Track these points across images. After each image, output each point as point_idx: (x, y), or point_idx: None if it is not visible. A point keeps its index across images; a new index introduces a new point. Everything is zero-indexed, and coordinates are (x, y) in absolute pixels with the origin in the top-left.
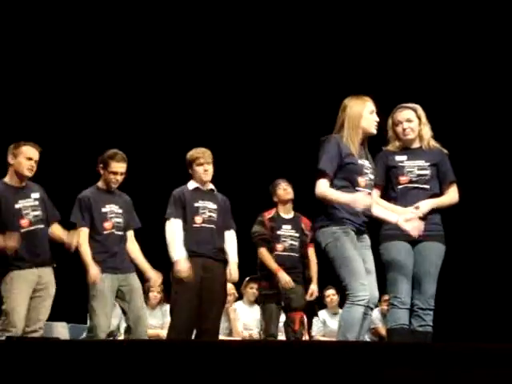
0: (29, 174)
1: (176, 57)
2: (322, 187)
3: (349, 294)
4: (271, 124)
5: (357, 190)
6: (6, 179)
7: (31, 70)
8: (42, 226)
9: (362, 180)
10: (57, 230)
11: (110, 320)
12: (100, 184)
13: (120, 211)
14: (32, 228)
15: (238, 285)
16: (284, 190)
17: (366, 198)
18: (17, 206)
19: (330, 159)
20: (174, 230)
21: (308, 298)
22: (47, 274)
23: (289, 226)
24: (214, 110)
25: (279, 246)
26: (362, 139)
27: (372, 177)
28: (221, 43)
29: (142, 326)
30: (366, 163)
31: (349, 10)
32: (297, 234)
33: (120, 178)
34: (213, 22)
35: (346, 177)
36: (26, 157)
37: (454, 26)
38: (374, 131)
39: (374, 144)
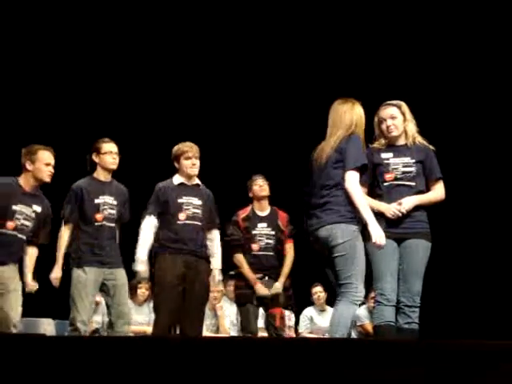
0: (48, 179)
1: (162, 54)
2: (357, 182)
3: (349, 292)
4: (253, 120)
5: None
6: (21, 182)
7: (25, 66)
8: (24, 237)
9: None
10: (29, 256)
11: (90, 313)
12: (95, 174)
13: (114, 203)
14: (14, 233)
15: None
16: (260, 186)
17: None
18: (13, 208)
19: (361, 153)
20: (145, 227)
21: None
22: (6, 273)
23: (264, 224)
24: (198, 105)
25: (254, 246)
26: None
27: None
28: (208, 41)
29: (124, 322)
30: None
31: (333, 11)
32: (272, 232)
33: (116, 157)
34: (201, 20)
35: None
36: (45, 163)
37: (438, 23)
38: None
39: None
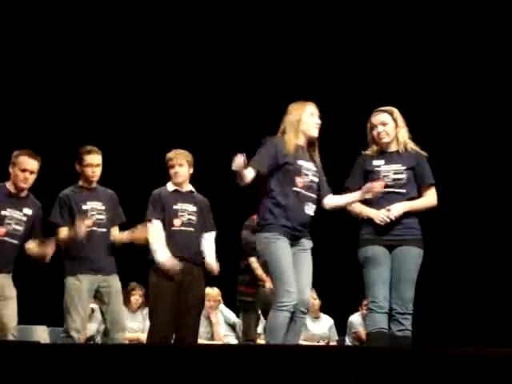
0: (23, 185)
1: (159, 57)
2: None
3: (275, 299)
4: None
5: (294, 191)
6: (8, 186)
7: (16, 71)
8: (17, 242)
9: (300, 180)
10: (33, 248)
11: (84, 321)
12: (80, 182)
13: (103, 208)
14: (5, 239)
15: (223, 291)
16: None
17: None
18: (2, 213)
19: (262, 158)
20: (156, 231)
21: None
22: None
23: None
24: (197, 109)
25: None
26: (305, 142)
27: (315, 179)
28: (199, 43)
29: (119, 329)
30: (307, 165)
31: (329, 15)
32: None
33: (97, 169)
34: (191, 26)
35: (283, 176)
36: (21, 168)
37: (430, 29)
38: (315, 134)
39: (355, 148)
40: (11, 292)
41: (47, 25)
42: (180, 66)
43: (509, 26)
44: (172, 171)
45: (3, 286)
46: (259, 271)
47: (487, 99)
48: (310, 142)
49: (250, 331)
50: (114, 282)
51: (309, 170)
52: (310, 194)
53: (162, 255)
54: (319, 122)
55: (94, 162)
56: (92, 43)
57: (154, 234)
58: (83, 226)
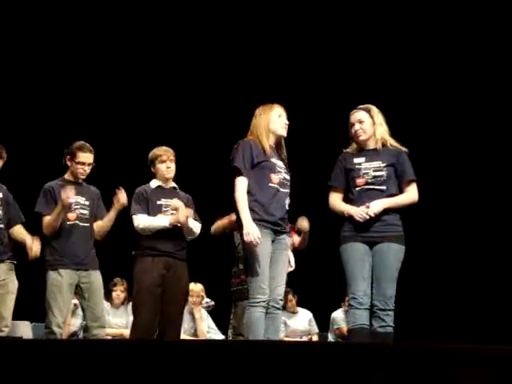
0: None
1: (143, 55)
2: (242, 186)
3: (249, 295)
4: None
5: (271, 187)
6: None
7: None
8: (1, 225)
9: (275, 177)
10: (19, 233)
11: (66, 316)
12: (67, 176)
13: (86, 203)
14: None
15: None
16: None
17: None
18: None
19: (244, 159)
20: (145, 219)
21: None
22: (4, 271)
23: None
24: (177, 109)
25: None
26: (274, 142)
27: (287, 177)
28: (186, 42)
29: (100, 325)
30: (279, 163)
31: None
32: None
33: (88, 168)
34: (181, 24)
35: (260, 174)
36: None
37: (412, 25)
38: (283, 133)
39: (338, 146)
40: (15, 287)
41: (35, 22)
42: (157, 66)
43: (484, 21)
44: (163, 166)
45: (6, 281)
46: (221, 222)
47: (471, 96)
48: (278, 142)
49: (241, 326)
50: (95, 277)
51: (281, 168)
52: (285, 190)
53: (163, 220)
54: (287, 122)
55: (86, 160)
56: (79, 41)
57: (145, 221)
58: (70, 193)
